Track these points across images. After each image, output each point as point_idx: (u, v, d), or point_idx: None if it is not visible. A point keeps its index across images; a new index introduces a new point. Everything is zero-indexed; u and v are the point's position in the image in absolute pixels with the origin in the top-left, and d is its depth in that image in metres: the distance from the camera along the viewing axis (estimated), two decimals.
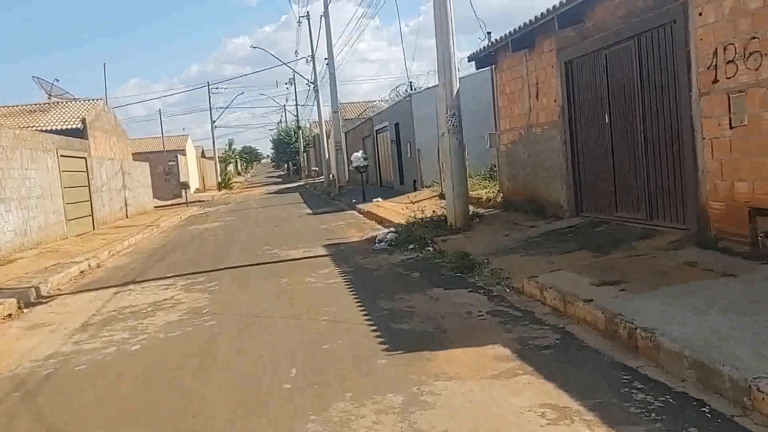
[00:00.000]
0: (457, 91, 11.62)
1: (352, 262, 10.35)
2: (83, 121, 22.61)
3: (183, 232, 19.47)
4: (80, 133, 22.32)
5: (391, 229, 13.55)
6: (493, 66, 13.64)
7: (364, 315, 6.75)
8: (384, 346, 5.59)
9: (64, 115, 23.86)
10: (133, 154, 43.14)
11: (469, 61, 13.73)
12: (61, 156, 18.84)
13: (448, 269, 8.73)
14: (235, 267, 11.19)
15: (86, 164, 21.64)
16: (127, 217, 26.89)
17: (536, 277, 6.99)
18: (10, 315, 8.86)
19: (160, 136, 50.11)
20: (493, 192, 14.76)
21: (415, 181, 21.91)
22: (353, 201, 22.22)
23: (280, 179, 71.96)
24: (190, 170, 50.60)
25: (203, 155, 70.16)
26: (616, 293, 5.87)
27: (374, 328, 6.21)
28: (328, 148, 39.24)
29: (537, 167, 11.75)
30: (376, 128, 29.24)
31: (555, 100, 10.83)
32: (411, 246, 11.24)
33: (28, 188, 16.08)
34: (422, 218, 13.25)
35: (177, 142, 52.28)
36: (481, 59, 13.58)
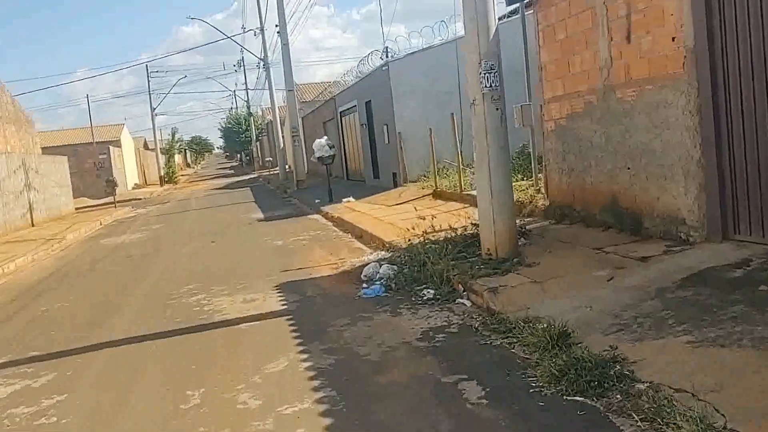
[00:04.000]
0: (496, 30, 6.97)
1: (328, 336, 5.63)
2: None
3: (88, 251, 14.40)
4: None
5: (383, 253, 8.87)
6: (531, 2, 9.03)
7: None
8: None
9: None
10: (56, 146, 37.54)
11: None
12: None
13: (547, 377, 4.06)
14: (118, 343, 6.32)
15: None
16: (33, 225, 21.55)
17: None
18: None
19: (89, 126, 43.97)
20: (529, 192, 10.12)
21: (395, 174, 17.17)
22: (316, 201, 17.41)
23: (231, 171, 66.34)
24: (127, 164, 44.85)
25: (146, 146, 64.05)
26: None
27: None
28: (283, 136, 34.20)
29: (627, 154, 7.18)
30: (340, 110, 24.31)
31: (673, 39, 6.26)
32: (425, 291, 6.60)
33: None
34: (431, 233, 8.60)
35: (111, 132, 46.23)
36: None
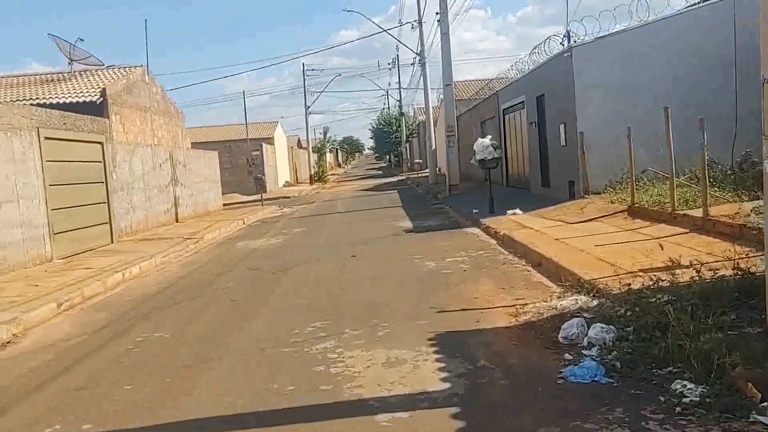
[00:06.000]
0: None
1: None
2: (103, 92, 16.48)
3: (218, 257, 12.89)
4: (99, 110, 16.24)
5: (582, 298, 6.22)
6: None
7: None
8: None
9: (84, 85, 17.90)
10: (211, 142, 37.92)
11: None
12: (47, 138, 12.70)
13: None
14: (193, 427, 4.23)
15: (103, 152, 15.55)
16: (177, 221, 20.86)
17: None
18: None
19: (245, 122, 44.29)
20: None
21: (572, 183, 14.26)
22: (474, 211, 14.92)
23: (380, 172, 65.47)
24: (279, 161, 44.78)
25: (299, 145, 64.69)
26: None
27: None
28: (435, 137, 32.06)
29: None
30: (503, 107, 21.61)
31: None
32: (681, 386, 3.95)
33: None
34: (651, 271, 5.85)
35: (265, 129, 46.45)
36: None
